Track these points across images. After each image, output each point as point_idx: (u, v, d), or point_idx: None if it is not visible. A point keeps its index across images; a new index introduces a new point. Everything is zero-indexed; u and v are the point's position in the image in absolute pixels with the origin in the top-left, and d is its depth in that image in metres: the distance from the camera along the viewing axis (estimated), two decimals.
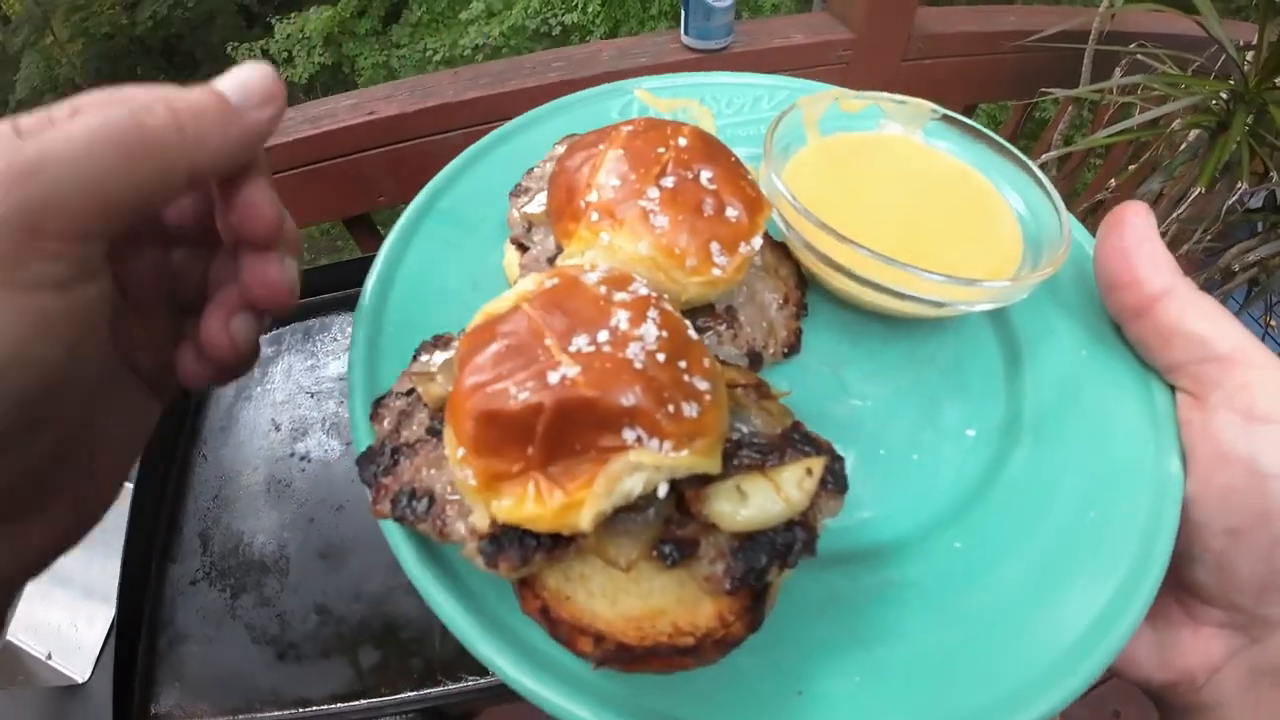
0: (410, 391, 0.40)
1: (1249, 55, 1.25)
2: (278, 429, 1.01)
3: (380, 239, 0.73)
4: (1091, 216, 1.64)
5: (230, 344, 0.39)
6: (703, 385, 0.32)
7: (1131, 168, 1.57)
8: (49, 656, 0.89)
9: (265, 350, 1.12)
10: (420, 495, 0.34)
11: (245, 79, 0.35)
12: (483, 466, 0.31)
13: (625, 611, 0.32)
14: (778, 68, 1.37)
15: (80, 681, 0.86)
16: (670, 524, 0.33)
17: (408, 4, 8.21)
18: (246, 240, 0.38)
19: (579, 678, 0.34)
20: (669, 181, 0.43)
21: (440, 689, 0.81)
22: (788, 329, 0.49)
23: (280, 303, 0.40)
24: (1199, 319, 0.42)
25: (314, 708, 0.80)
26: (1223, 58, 1.28)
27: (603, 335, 0.32)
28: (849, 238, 0.44)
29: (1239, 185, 1.19)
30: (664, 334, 0.33)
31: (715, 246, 0.42)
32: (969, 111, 1.66)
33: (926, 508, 0.42)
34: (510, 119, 0.61)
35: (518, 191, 0.53)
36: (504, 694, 0.85)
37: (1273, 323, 1.92)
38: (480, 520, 0.32)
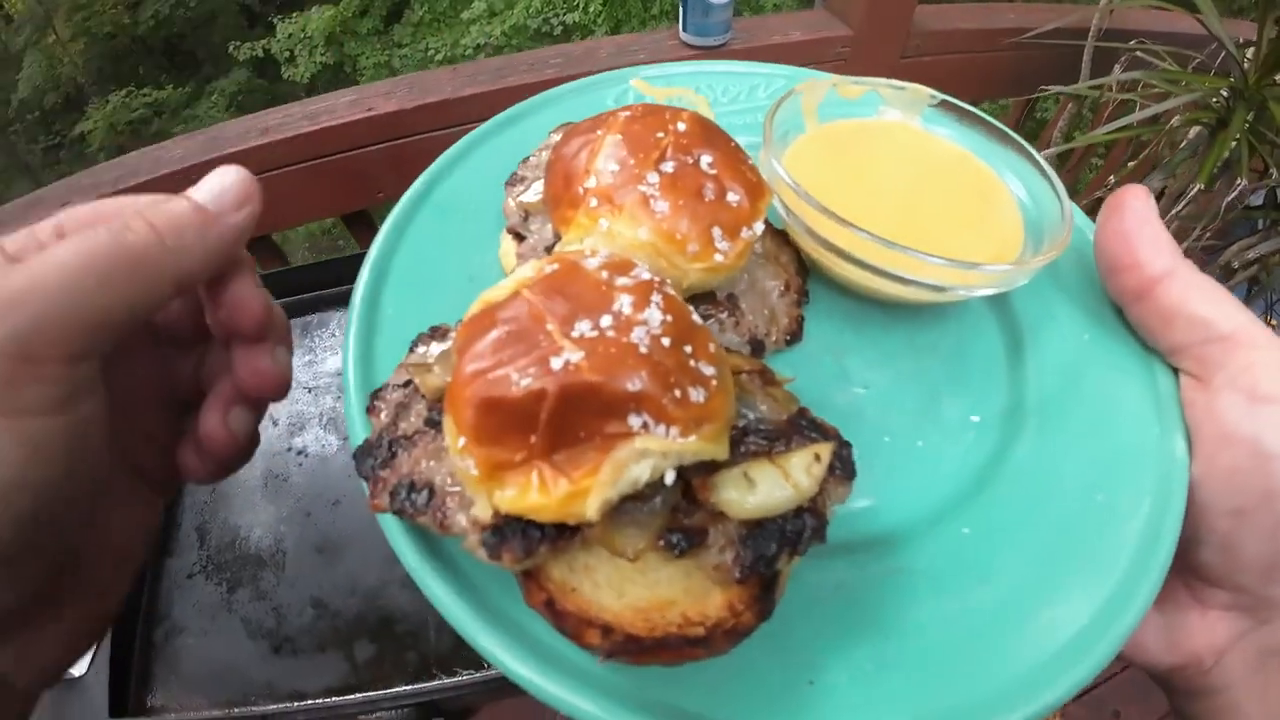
0: (407, 383, 0.39)
1: (1249, 52, 1.25)
2: (275, 424, 1.02)
3: None
4: (1092, 214, 1.63)
5: (229, 437, 0.40)
6: (709, 370, 0.32)
7: (1131, 164, 1.57)
8: None
9: None
10: (420, 487, 0.33)
11: (220, 184, 0.37)
12: (484, 456, 0.30)
13: (633, 603, 0.31)
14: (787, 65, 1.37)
15: (76, 675, 0.86)
16: (677, 513, 0.32)
17: (409, 4, 8.21)
18: (236, 334, 0.39)
19: (584, 671, 0.33)
20: (669, 166, 0.43)
21: (435, 683, 0.81)
22: (789, 316, 0.49)
23: (274, 392, 0.40)
24: (1201, 300, 0.41)
25: (309, 701, 0.80)
26: (1222, 55, 1.27)
27: (606, 320, 0.31)
28: (851, 221, 0.44)
29: (1238, 182, 1.19)
30: (668, 318, 0.32)
31: (717, 231, 0.42)
32: None
33: (933, 494, 0.42)
34: None
35: (514, 180, 0.52)
36: (500, 689, 0.85)
37: (1273, 321, 1.91)
38: (482, 511, 0.31)
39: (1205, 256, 1.44)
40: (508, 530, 0.30)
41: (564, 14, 6.93)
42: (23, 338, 0.28)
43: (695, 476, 0.31)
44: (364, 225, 1.47)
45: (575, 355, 0.29)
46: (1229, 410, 0.40)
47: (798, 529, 0.31)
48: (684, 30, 1.38)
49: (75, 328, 0.30)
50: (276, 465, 0.97)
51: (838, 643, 0.36)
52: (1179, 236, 1.34)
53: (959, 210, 0.52)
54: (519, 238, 0.49)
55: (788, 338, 0.48)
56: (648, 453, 0.29)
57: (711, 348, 0.33)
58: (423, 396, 0.37)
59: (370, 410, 0.38)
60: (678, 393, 0.29)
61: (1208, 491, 0.40)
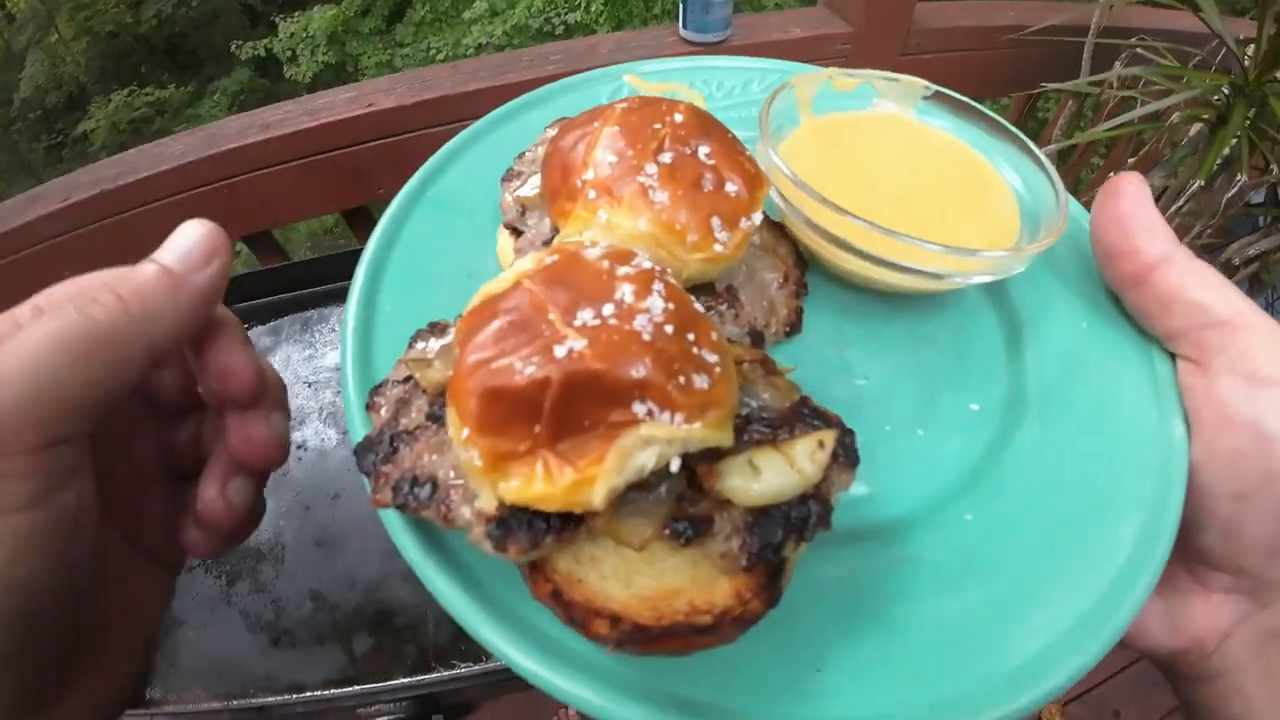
0: (407, 379, 0.38)
1: (1249, 49, 1.25)
2: None
3: None
4: None
5: (228, 511, 0.38)
6: (712, 358, 0.31)
7: (1132, 161, 1.57)
8: None
9: (263, 341, 1.12)
10: (423, 481, 0.33)
11: (183, 243, 0.35)
12: (488, 446, 0.29)
13: (640, 593, 0.31)
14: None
15: None
16: (682, 502, 0.32)
17: (411, 3, 8.22)
18: (228, 401, 0.38)
19: (591, 663, 0.33)
20: (667, 157, 0.42)
21: (434, 676, 0.81)
22: (788, 308, 0.49)
23: (270, 461, 0.39)
24: (1198, 285, 0.41)
25: (308, 693, 0.80)
26: (1223, 52, 1.28)
27: (608, 309, 0.31)
28: (849, 211, 0.44)
29: (1239, 178, 1.19)
30: (670, 306, 0.31)
31: (716, 222, 0.41)
32: None
33: (935, 482, 0.42)
34: None
35: (510, 176, 0.51)
36: (499, 683, 0.85)
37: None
38: (487, 503, 0.30)
39: (1206, 254, 1.44)
40: (513, 522, 0.30)
41: (565, 13, 6.93)
42: None
43: (700, 464, 0.31)
44: (364, 222, 1.46)
45: (579, 343, 0.29)
46: (1228, 394, 0.39)
47: (803, 515, 0.31)
48: (684, 27, 1.38)
49: (46, 414, 0.28)
50: None
51: (844, 630, 0.36)
52: (1180, 234, 1.34)
53: (955, 200, 0.52)
54: (516, 233, 0.49)
55: (787, 329, 0.48)
56: (653, 440, 0.28)
57: (714, 335, 0.33)
58: (423, 391, 0.37)
59: (370, 407, 0.38)
60: (682, 379, 0.29)
61: (1208, 475, 0.40)
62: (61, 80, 9.89)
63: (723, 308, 0.46)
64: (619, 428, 0.28)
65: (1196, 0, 1.26)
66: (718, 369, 0.31)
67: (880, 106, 0.58)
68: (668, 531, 0.31)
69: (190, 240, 0.36)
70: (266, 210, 1.34)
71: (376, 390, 0.39)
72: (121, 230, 1.24)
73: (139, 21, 9.70)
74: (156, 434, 0.42)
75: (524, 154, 0.53)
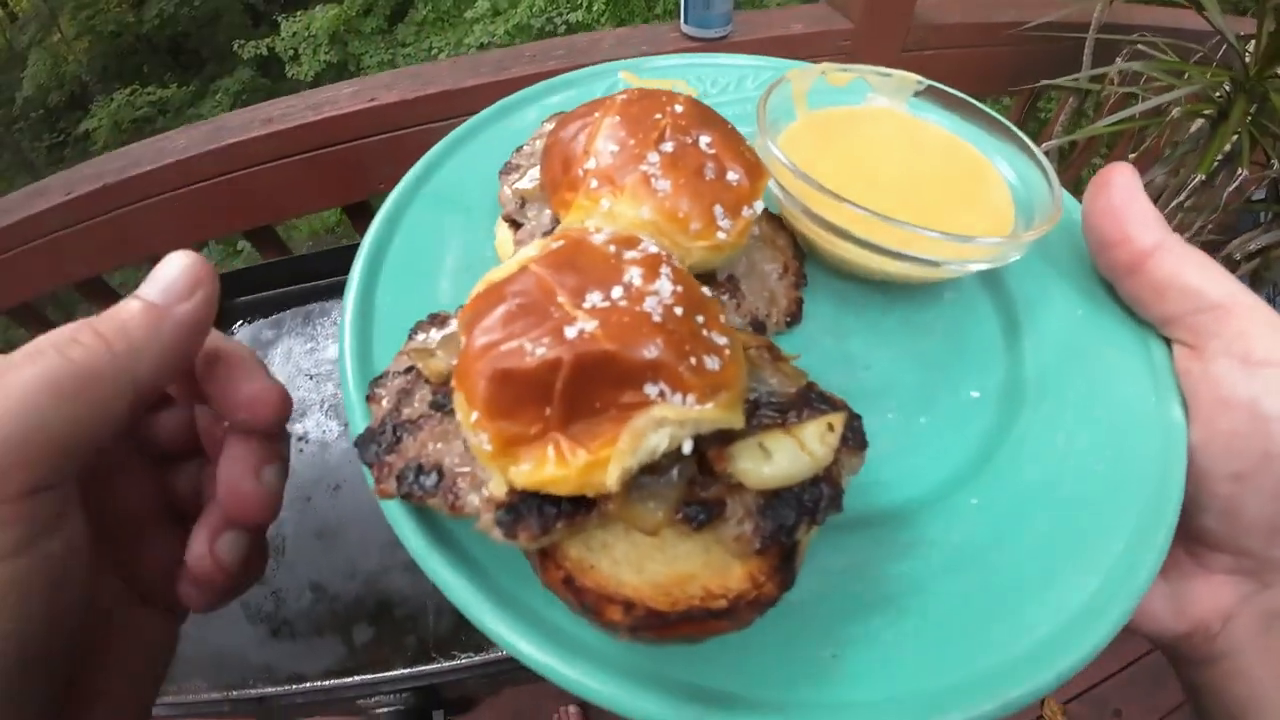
0: (409, 370, 0.37)
1: (1250, 46, 1.25)
2: None
3: None
4: None
5: (217, 569, 0.36)
6: (721, 340, 0.31)
7: (1132, 156, 1.57)
8: None
9: (265, 333, 1.12)
10: (428, 470, 0.32)
11: (166, 275, 0.34)
12: (498, 430, 0.28)
13: (652, 578, 0.30)
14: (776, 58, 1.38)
15: None
16: (694, 486, 0.31)
17: (413, 3, 8.22)
18: (260, 429, 0.37)
19: (602, 653, 0.32)
20: (669, 146, 0.42)
21: (434, 666, 0.81)
22: (789, 298, 0.48)
23: (260, 519, 0.37)
24: (1191, 271, 0.42)
25: (308, 684, 0.80)
26: (1224, 48, 1.28)
27: (617, 291, 0.30)
28: (847, 198, 0.43)
29: (1240, 172, 1.19)
30: (679, 289, 0.31)
31: (719, 210, 0.41)
32: None
33: (940, 468, 0.42)
34: None
35: (508, 169, 0.51)
36: (499, 675, 0.85)
37: None
38: (497, 488, 0.30)
39: (1208, 250, 1.43)
40: (523, 507, 0.29)
41: (567, 13, 6.93)
42: None
43: (711, 448, 0.31)
44: (366, 217, 1.46)
45: (589, 324, 0.28)
46: (1225, 375, 0.40)
47: (815, 498, 0.31)
48: (685, 22, 1.38)
49: (29, 459, 0.27)
50: None
51: (857, 616, 0.35)
52: (1181, 230, 1.34)
53: (950, 192, 0.52)
54: (515, 225, 0.48)
55: (788, 319, 0.48)
56: (665, 421, 0.28)
57: (722, 318, 0.32)
58: (426, 382, 0.36)
59: (370, 399, 0.37)
60: (693, 360, 0.29)
61: (1207, 457, 0.40)
62: (63, 79, 9.87)
63: (724, 298, 0.46)
64: (631, 409, 0.28)
65: None
66: (727, 351, 0.31)
67: (874, 101, 0.58)
68: (680, 516, 0.31)
69: (173, 272, 0.35)
70: (269, 204, 1.34)
71: (377, 382, 0.38)
72: (124, 224, 1.23)
73: (141, 21, 9.69)
74: (155, 477, 0.41)
75: (522, 148, 0.53)
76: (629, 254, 0.33)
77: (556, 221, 0.45)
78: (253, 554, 0.39)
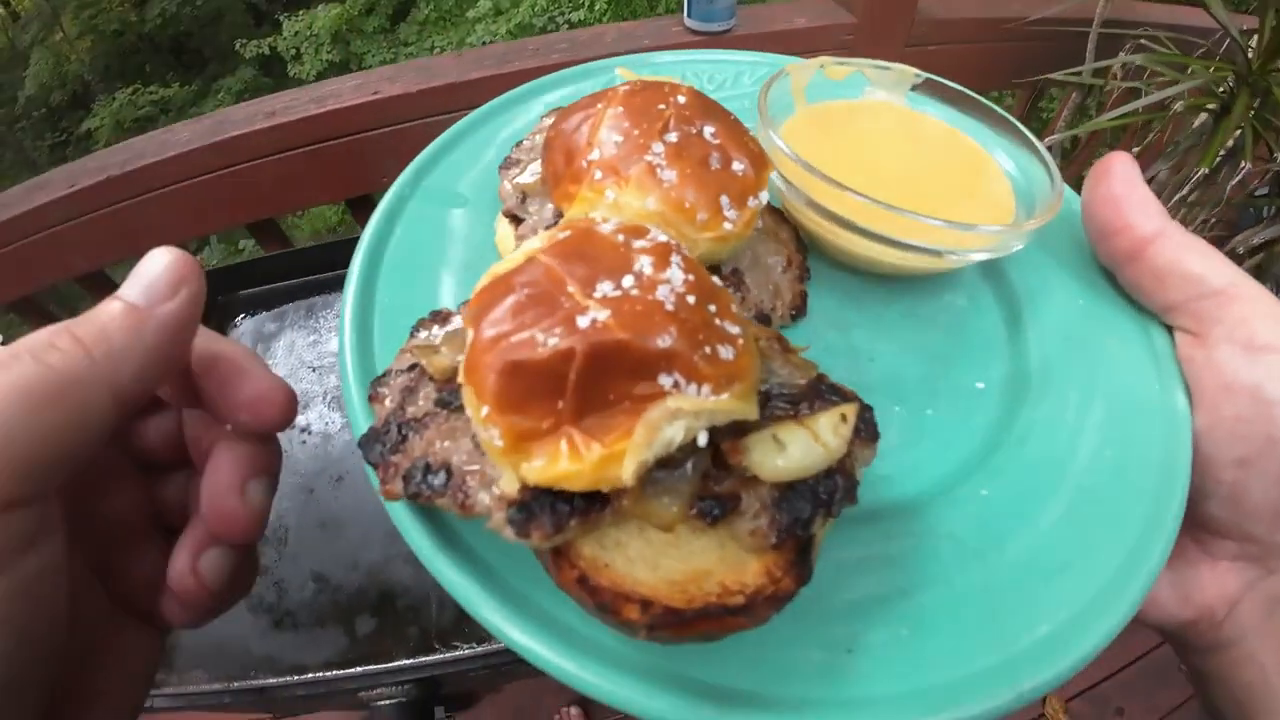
0: (412, 368, 0.36)
1: (1252, 40, 1.25)
2: None
3: None
4: None
5: (199, 586, 0.34)
6: (734, 329, 0.30)
7: (1135, 151, 1.56)
8: None
9: (268, 326, 1.12)
10: (436, 469, 0.31)
11: (147, 274, 0.32)
12: (509, 425, 0.27)
13: (668, 576, 0.29)
14: (779, 52, 1.38)
15: None
16: (708, 480, 0.31)
17: (415, 2, 8.22)
18: (265, 429, 0.35)
19: (616, 653, 0.31)
20: (673, 136, 0.41)
21: (436, 657, 0.81)
22: (793, 291, 0.48)
23: (245, 537, 0.35)
24: (1192, 258, 0.41)
25: (309, 675, 0.80)
26: (1226, 43, 1.27)
27: (628, 280, 0.29)
28: (850, 187, 0.43)
29: (1243, 166, 1.19)
30: (691, 278, 0.30)
31: (725, 200, 0.40)
32: None
33: (949, 460, 0.41)
34: None
35: (508, 164, 0.50)
36: (500, 668, 0.85)
37: None
38: (508, 485, 0.28)
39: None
40: (535, 505, 0.28)
41: (569, 12, 6.93)
42: None
43: (725, 440, 0.30)
44: (368, 211, 1.45)
45: (602, 314, 0.27)
46: (1228, 361, 0.39)
47: (829, 489, 0.30)
48: (689, 16, 1.37)
49: (3, 474, 0.25)
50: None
51: (872, 610, 0.35)
52: (1184, 225, 1.34)
53: (951, 183, 0.52)
54: (516, 221, 0.47)
55: (793, 312, 0.47)
56: (680, 412, 0.27)
57: (734, 308, 0.32)
58: (430, 379, 0.35)
59: (373, 398, 0.36)
60: (707, 350, 0.28)
61: (1212, 443, 0.39)
62: (66, 78, 9.84)
63: (729, 291, 0.46)
64: (645, 401, 0.27)
65: None
66: (741, 340, 0.30)
67: (872, 94, 0.58)
68: (694, 511, 0.30)
69: (155, 270, 0.32)
70: (271, 198, 1.33)
71: (379, 381, 0.36)
72: (126, 217, 1.21)
73: (143, 20, 9.66)
74: (143, 486, 0.39)
75: (522, 142, 0.52)
76: (638, 243, 0.32)
77: (558, 215, 0.44)
78: (239, 570, 0.37)
